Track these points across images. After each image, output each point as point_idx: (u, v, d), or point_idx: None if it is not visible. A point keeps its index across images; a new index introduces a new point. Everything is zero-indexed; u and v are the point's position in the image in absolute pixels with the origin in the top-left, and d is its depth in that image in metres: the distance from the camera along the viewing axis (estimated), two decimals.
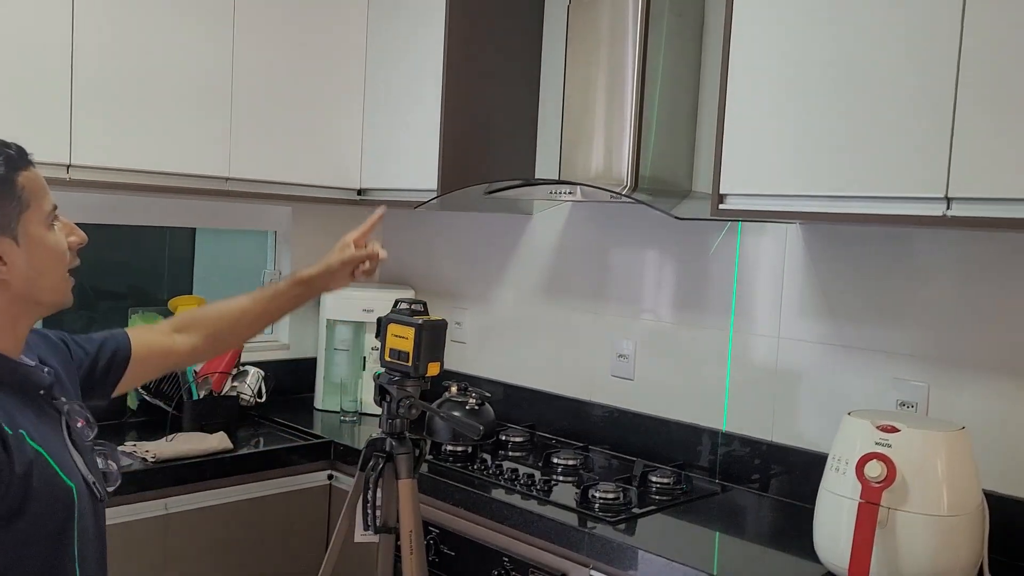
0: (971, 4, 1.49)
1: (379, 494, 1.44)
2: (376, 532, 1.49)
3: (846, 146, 1.65)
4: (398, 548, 1.49)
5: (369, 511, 1.45)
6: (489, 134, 2.53)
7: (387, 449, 1.51)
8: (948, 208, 1.54)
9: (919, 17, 1.55)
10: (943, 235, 1.86)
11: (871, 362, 1.97)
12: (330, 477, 2.41)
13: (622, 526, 1.84)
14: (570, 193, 2.09)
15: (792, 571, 1.73)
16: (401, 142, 2.55)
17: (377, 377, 1.58)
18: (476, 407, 2.24)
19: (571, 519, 1.86)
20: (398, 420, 1.53)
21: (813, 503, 1.86)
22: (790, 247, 2.10)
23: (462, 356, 2.83)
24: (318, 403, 2.79)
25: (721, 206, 1.84)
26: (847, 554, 1.56)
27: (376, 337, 1.54)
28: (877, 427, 1.58)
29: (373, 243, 1.64)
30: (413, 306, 1.53)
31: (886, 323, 1.95)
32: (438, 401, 2.28)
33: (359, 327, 2.75)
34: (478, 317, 2.80)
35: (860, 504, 1.53)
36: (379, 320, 1.56)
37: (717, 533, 1.91)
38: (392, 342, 1.52)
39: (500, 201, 2.38)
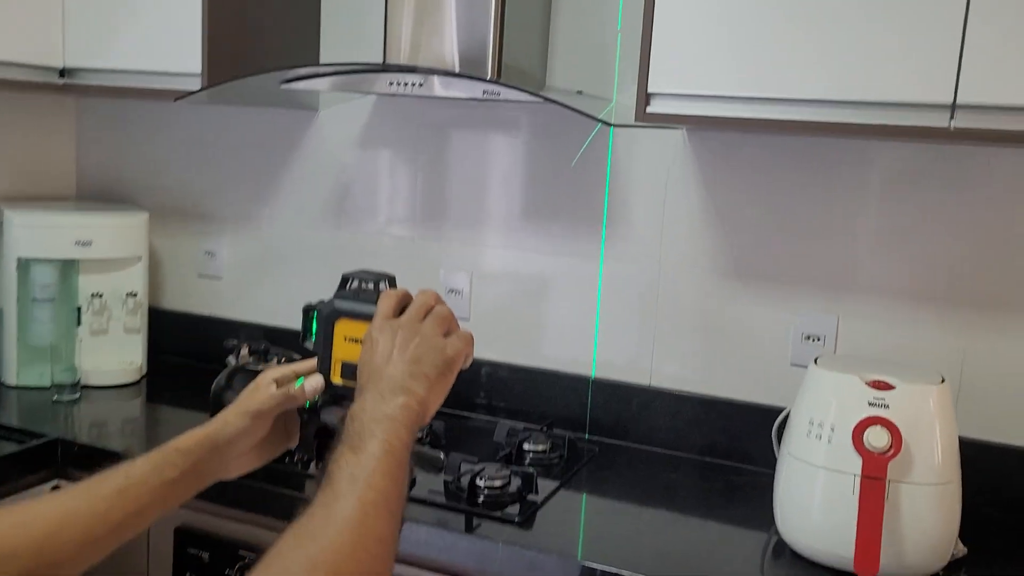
0: None
1: None
2: None
3: (814, 38, 1.31)
4: None
5: None
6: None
7: None
8: (952, 118, 1.27)
9: None
10: (855, 146, 1.63)
11: (770, 291, 1.72)
12: (57, 488, 1.69)
13: (528, 525, 1.43)
14: (419, 85, 1.54)
15: (753, 545, 1.44)
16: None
17: (312, 409, 0.96)
18: None
19: (456, 522, 1.41)
20: None
21: (710, 455, 1.74)
22: (675, 157, 1.75)
23: (217, 296, 2.16)
24: (10, 377, 1.96)
25: (649, 109, 1.42)
26: (825, 533, 1.31)
27: (304, 342, 0.89)
28: (868, 383, 1.31)
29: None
30: (379, 284, 0.92)
31: (787, 247, 1.70)
32: (225, 373, 1.62)
33: (69, 267, 1.96)
34: (240, 244, 2.14)
35: (863, 480, 1.26)
36: (311, 312, 0.90)
37: (637, 508, 1.56)
38: (346, 351, 0.90)
39: (280, 93, 1.73)
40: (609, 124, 1.35)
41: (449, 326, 0.89)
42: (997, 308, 1.57)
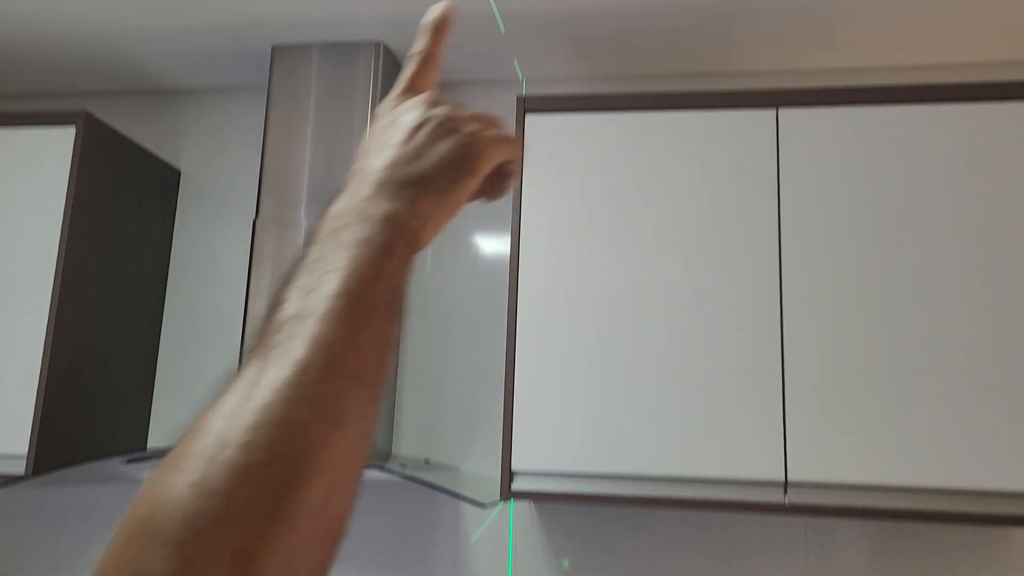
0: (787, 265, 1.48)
1: None
2: None
3: (662, 425, 1.46)
4: None
5: None
6: (101, 379, 1.78)
7: None
8: (786, 494, 1.42)
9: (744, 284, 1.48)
10: (692, 515, 1.75)
11: None
12: None
13: None
14: None
15: None
16: None
17: None
18: None
19: None
20: None
21: None
22: (523, 526, 1.79)
23: None
24: None
25: (513, 486, 1.48)
26: None
27: None
28: None
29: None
30: None
31: None
32: None
33: None
34: None
35: None
36: None
37: None
38: None
39: (117, 472, 1.64)
40: (482, 505, 1.39)
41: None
42: None
